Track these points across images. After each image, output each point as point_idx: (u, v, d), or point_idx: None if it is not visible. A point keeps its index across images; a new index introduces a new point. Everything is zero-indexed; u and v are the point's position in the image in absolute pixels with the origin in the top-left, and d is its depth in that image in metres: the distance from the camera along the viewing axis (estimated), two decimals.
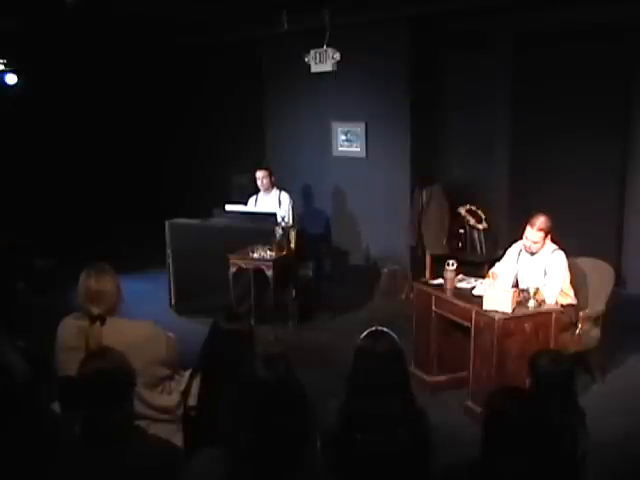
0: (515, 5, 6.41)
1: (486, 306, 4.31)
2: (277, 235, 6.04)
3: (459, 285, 4.82)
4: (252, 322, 5.64)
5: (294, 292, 6.27)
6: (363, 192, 7.69)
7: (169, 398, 3.07)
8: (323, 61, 7.13)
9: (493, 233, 7.09)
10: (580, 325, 4.80)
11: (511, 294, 4.29)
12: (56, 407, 3.08)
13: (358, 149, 7.71)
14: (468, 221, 7.08)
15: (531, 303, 4.37)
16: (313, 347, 5.88)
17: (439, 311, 4.80)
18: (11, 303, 5.88)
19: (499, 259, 5.17)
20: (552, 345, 4.30)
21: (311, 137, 8.06)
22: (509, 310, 4.25)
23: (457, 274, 4.87)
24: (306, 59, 7.26)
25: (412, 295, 5.50)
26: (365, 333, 2.80)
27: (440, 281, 4.93)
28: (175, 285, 6.82)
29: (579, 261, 5.09)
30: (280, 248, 6.01)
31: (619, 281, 5.45)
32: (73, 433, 2.32)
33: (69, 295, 3.15)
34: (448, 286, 4.79)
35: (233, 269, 5.93)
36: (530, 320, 4.31)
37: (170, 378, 3.16)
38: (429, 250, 7.06)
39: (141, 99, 8.70)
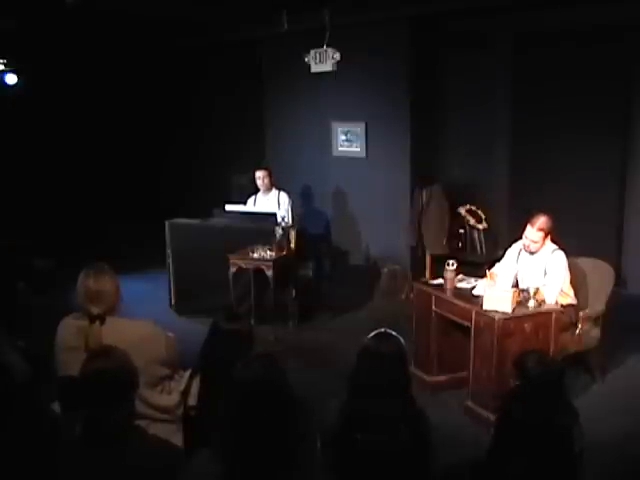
0: (515, 5, 6.41)
1: (486, 306, 4.31)
2: (277, 235, 6.04)
3: (459, 285, 4.82)
4: (252, 322, 5.65)
5: (294, 292, 6.27)
6: (363, 192, 7.69)
7: (169, 398, 3.07)
8: (323, 61, 7.13)
9: (493, 233, 7.09)
10: (580, 325, 4.80)
11: (511, 294, 4.29)
12: (56, 407, 3.08)
13: (358, 149, 7.71)
14: (468, 221, 7.08)
15: (531, 303, 4.37)
16: (313, 347, 5.89)
17: (439, 311, 4.80)
18: (11, 303, 5.88)
19: (499, 259, 5.16)
20: (552, 345, 4.31)
21: (311, 137, 8.06)
22: (509, 310, 4.25)
23: (457, 274, 4.87)
24: (306, 59, 7.26)
25: (412, 295, 5.50)
26: (372, 334, 2.80)
27: (440, 281, 4.93)
28: (175, 285, 6.83)
29: (579, 261, 5.09)
30: (280, 248, 6.01)
31: (619, 281, 5.45)
32: (73, 433, 2.32)
33: (69, 295, 3.15)
34: (448, 286, 4.79)
35: (233, 269, 5.93)
36: (530, 320, 4.30)
37: (170, 378, 3.16)
38: (429, 250, 7.06)
39: (141, 99, 8.70)
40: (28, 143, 7.98)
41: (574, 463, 2.67)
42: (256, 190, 6.92)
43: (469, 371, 4.48)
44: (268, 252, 5.91)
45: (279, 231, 6.06)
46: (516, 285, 4.77)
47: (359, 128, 7.65)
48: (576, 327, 4.80)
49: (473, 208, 7.14)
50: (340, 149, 7.88)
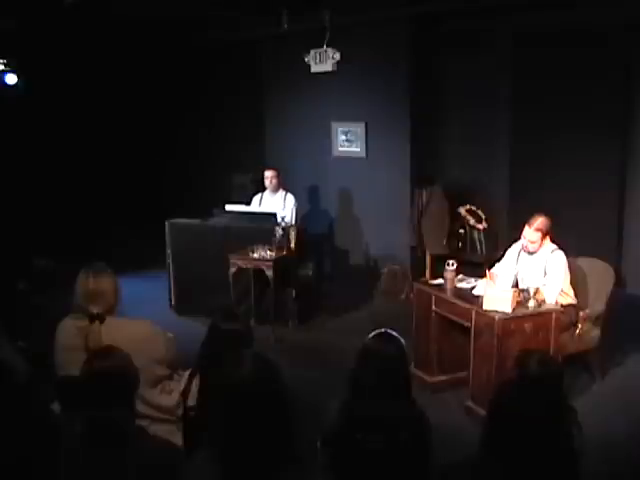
0: (515, 5, 6.41)
1: (486, 306, 4.31)
2: (277, 235, 6.04)
3: (459, 285, 4.82)
4: (252, 322, 5.65)
5: (294, 292, 6.27)
6: (363, 192, 7.70)
7: (169, 397, 3.07)
8: (323, 61, 7.14)
9: (493, 233, 7.09)
10: (580, 325, 4.81)
11: (511, 294, 4.29)
12: (56, 407, 3.08)
13: (358, 149, 7.71)
14: (468, 221, 7.08)
15: (531, 303, 4.37)
16: (313, 347, 5.89)
17: (439, 311, 4.80)
18: (11, 303, 5.87)
19: (499, 259, 5.17)
20: (552, 345, 4.31)
21: (311, 137, 8.06)
22: (509, 310, 4.25)
23: (457, 274, 4.87)
24: (306, 59, 7.27)
25: (412, 295, 5.50)
26: (372, 334, 2.80)
27: (440, 281, 4.93)
28: (175, 285, 6.83)
29: (579, 261, 5.10)
30: (280, 248, 6.01)
31: (619, 281, 5.44)
32: (73, 433, 2.32)
33: (69, 295, 3.15)
34: (448, 286, 4.79)
35: (233, 269, 5.93)
36: (530, 320, 4.31)
37: (169, 378, 3.16)
38: (429, 250, 7.06)
39: (141, 99, 8.69)
40: (28, 143, 7.97)
41: (574, 463, 2.68)
42: (262, 189, 6.93)
43: (469, 371, 4.48)
44: (268, 252, 5.91)
45: (279, 231, 6.06)
46: (516, 285, 4.78)
47: (359, 128, 7.65)
48: (576, 327, 4.80)
49: (473, 208, 7.14)
50: (340, 149, 7.88)
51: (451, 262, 4.84)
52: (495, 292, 4.36)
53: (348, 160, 7.77)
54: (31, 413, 2.64)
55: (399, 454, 2.56)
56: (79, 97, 8.26)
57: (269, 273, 5.84)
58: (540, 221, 4.70)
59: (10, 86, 7.63)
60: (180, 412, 3.06)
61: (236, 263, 5.94)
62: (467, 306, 4.48)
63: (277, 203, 6.74)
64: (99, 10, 6.70)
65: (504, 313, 4.24)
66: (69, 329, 3.09)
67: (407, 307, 5.86)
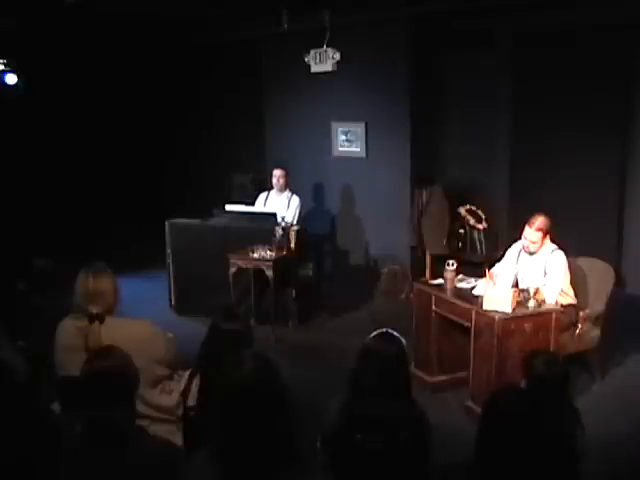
0: (515, 5, 6.41)
1: (486, 306, 4.31)
2: (277, 235, 6.04)
3: (459, 285, 4.82)
4: (252, 322, 5.65)
5: (294, 292, 6.27)
6: (363, 192, 7.69)
7: (169, 397, 3.08)
8: (323, 61, 7.14)
9: (493, 233, 7.09)
10: (580, 325, 4.80)
11: (511, 294, 4.29)
12: (56, 407, 3.08)
13: (358, 149, 7.71)
14: (468, 221, 7.08)
15: (531, 303, 4.37)
16: (313, 347, 5.89)
17: (439, 311, 4.80)
18: (11, 303, 5.87)
19: (499, 259, 5.17)
20: (552, 345, 4.31)
21: (311, 137, 8.05)
22: (509, 310, 4.25)
23: (457, 274, 4.87)
24: (306, 59, 7.27)
25: (412, 295, 5.50)
26: (373, 334, 2.80)
27: (440, 281, 4.93)
28: (175, 285, 6.83)
29: (579, 261, 5.10)
30: (280, 248, 6.00)
31: (619, 281, 5.45)
32: (73, 433, 2.32)
33: (69, 295, 3.15)
34: (448, 286, 4.79)
35: (233, 269, 5.92)
36: (530, 320, 4.30)
37: (169, 378, 3.17)
38: (429, 250, 7.06)
39: (141, 99, 8.69)
40: (28, 143, 7.97)
41: (575, 463, 2.68)
42: (268, 188, 6.92)
43: (469, 371, 4.48)
44: (268, 252, 5.90)
45: (279, 231, 6.06)
46: (516, 285, 4.78)
47: (359, 128, 7.65)
48: (576, 327, 4.80)
49: (473, 208, 7.14)
50: (340, 149, 7.88)
51: (451, 262, 4.84)
52: (495, 292, 4.36)
53: (348, 160, 7.77)
54: (31, 413, 2.64)
55: (399, 454, 2.56)
56: (79, 97, 8.26)
57: (269, 273, 5.84)
58: (541, 221, 4.70)
59: (10, 86, 7.63)
60: (180, 412, 3.07)
61: (236, 263, 5.94)
62: (467, 306, 4.48)
63: (282, 203, 6.73)
64: (99, 10, 6.70)
65: (504, 313, 4.24)
66: (69, 329, 3.09)
67: (407, 307, 5.86)
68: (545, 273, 4.73)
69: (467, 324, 4.45)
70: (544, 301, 4.49)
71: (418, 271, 7.10)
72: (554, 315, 4.39)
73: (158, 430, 2.83)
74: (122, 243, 7.41)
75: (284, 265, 5.99)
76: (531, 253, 4.80)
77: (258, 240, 6.01)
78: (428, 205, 7.02)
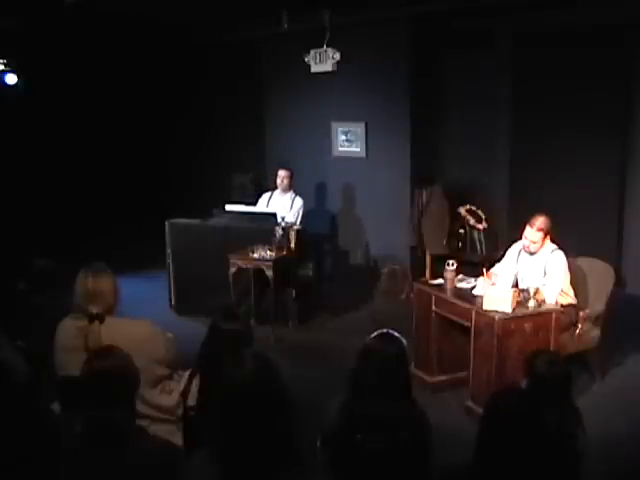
0: (515, 5, 6.41)
1: (486, 306, 4.31)
2: (277, 235, 6.04)
3: (459, 285, 4.82)
4: (252, 322, 5.65)
5: (294, 292, 6.27)
6: (363, 192, 7.69)
7: (168, 397, 3.08)
8: (323, 61, 7.15)
9: (493, 233, 7.09)
10: (580, 325, 4.80)
11: (511, 294, 4.29)
12: (56, 407, 3.08)
13: (358, 149, 7.71)
14: (468, 221, 7.08)
15: (531, 303, 4.37)
16: (313, 347, 5.89)
17: (439, 311, 4.80)
18: (11, 303, 5.87)
19: (499, 259, 5.17)
20: (552, 345, 4.31)
21: (311, 137, 8.05)
22: (509, 310, 4.25)
23: (457, 274, 4.87)
24: (306, 59, 7.27)
25: (412, 295, 5.50)
26: (374, 334, 2.81)
27: (440, 281, 4.93)
28: (175, 285, 6.83)
29: (579, 261, 5.10)
30: (280, 248, 6.00)
31: (619, 281, 5.45)
32: (73, 433, 2.32)
33: (69, 295, 3.15)
34: (448, 286, 4.79)
35: (233, 269, 5.92)
36: (530, 320, 4.30)
37: (169, 377, 3.16)
38: (429, 250, 7.06)
39: (141, 99, 8.69)
40: (28, 143, 7.97)
41: (576, 464, 2.68)
42: (270, 189, 6.92)
43: (469, 371, 4.48)
44: (268, 252, 5.90)
45: (279, 231, 6.05)
46: (516, 285, 4.78)
47: (359, 128, 7.65)
48: (576, 327, 4.80)
49: (473, 208, 7.14)
50: (340, 149, 7.88)
51: (451, 262, 4.84)
52: (495, 292, 4.36)
53: (348, 160, 7.77)
54: (31, 413, 2.64)
55: (399, 454, 2.56)
56: (79, 97, 8.26)
57: (269, 273, 5.83)
58: (541, 221, 4.70)
59: (10, 86, 7.63)
60: (180, 412, 3.06)
61: (236, 263, 5.93)
62: (467, 306, 4.48)
63: (285, 204, 6.72)
64: (99, 10, 6.70)
65: (504, 313, 4.24)
66: (69, 329, 3.09)
67: (407, 307, 5.86)
68: (545, 273, 4.73)
69: (467, 324, 4.44)
70: (544, 301, 4.49)
71: (418, 271, 7.10)
72: (554, 315, 4.39)
73: (158, 430, 2.83)
74: (122, 243, 7.41)
75: (284, 265, 5.99)
76: (531, 253, 4.80)
77: (258, 240, 6.01)
78: (428, 205, 7.01)
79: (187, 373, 3.16)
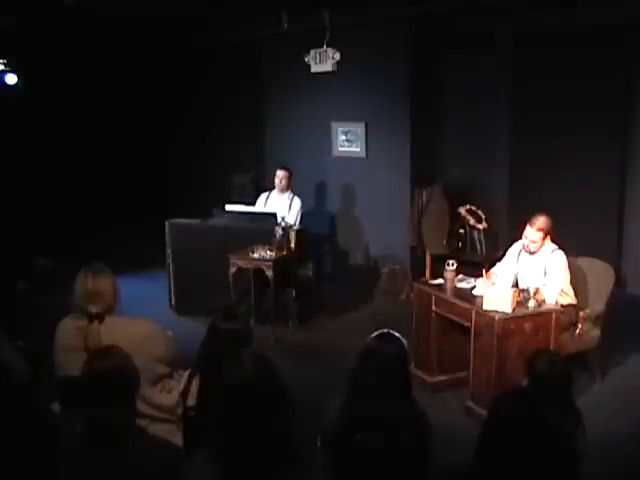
0: (515, 5, 6.41)
1: (486, 306, 4.31)
2: (277, 235, 6.04)
3: (459, 285, 4.82)
4: (252, 322, 5.65)
5: (294, 292, 6.27)
6: (363, 192, 7.69)
7: (168, 396, 3.08)
8: (323, 61, 7.15)
9: (493, 233, 7.09)
10: (580, 325, 4.80)
11: (511, 294, 4.29)
12: (56, 407, 3.08)
13: (358, 149, 7.71)
14: (468, 221, 7.08)
15: (531, 303, 4.37)
16: (313, 347, 5.89)
17: (439, 311, 4.80)
18: (11, 303, 5.87)
19: (499, 259, 5.17)
20: (552, 345, 4.31)
21: (311, 137, 8.05)
22: (509, 310, 4.25)
23: (457, 274, 4.87)
24: (306, 59, 7.27)
25: (412, 295, 5.50)
26: (374, 334, 2.80)
27: (440, 281, 4.93)
28: (175, 285, 6.83)
29: (579, 261, 5.10)
30: (280, 248, 6.00)
31: (619, 281, 5.45)
32: (73, 433, 2.32)
33: (69, 295, 3.15)
34: (448, 286, 4.79)
35: (233, 269, 5.92)
36: (530, 320, 4.30)
37: (169, 376, 3.16)
38: (429, 250, 7.06)
39: (141, 99, 8.69)
40: (28, 143, 7.98)
41: (576, 464, 2.68)
42: (268, 189, 6.91)
43: (469, 371, 4.48)
44: (268, 252, 5.90)
45: (279, 231, 6.05)
46: (516, 285, 4.78)
47: (359, 128, 7.64)
48: (576, 327, 4.80)
49: (473, 208, 7.14)
50: (340, 149, 7.87)
51: (451, 262, 4.84)
52: (495, 292, 4.36)
53: (348, 160, 7.77)
54: (31, 413, 2.64)
55: (399, 454, 2.56)
56: (79, 97, 8.26)
57: (269, 273, 5.83)
58: (542, 221, 4.70)
59: (10, 86, 7.63)
60: (180, 411, 3.06)
61: (236, 263, 5.94)
62: (467, 306, 4.48)
63: (283, 204, 6.71)
64: (99, 10, 6.70)
65: (504, 313, 4.24)
66: (68, 329, 3.09)
67: (407, 307, 5.86)
68: (545, 273, 4.73)
69: (467, 324, 4.45)
70: (544, 301, 4.49)
71: (418, 271, 7.10)
72: (554, 315, 4.39)
73: (158, 430, 2.83)
74: (122, 243, 7.41)
75: (284, 265, 5.99)
76: (531, 253, 4.80)
77: (258, 240, 6.01)
78: (428, 205, 7.01)
79: (187, 373, 3.16)
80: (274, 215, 6.30)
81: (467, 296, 4.63)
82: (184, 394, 3.06)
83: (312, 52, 7.22)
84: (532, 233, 4.73)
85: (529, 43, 6.64)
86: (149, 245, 7.19)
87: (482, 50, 7.04)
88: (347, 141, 7.79)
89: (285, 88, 8.24)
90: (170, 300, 6.87)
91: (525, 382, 3.14)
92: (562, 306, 4.64)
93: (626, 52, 6.48)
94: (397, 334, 2.80)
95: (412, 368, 4.58)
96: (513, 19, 6.72)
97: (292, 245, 6.14)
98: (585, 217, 6.52)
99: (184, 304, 6.65)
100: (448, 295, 4.73)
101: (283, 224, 6.16)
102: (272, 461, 1.82)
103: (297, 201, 6.76)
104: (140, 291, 6.77)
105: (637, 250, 6.69)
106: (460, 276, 4.91)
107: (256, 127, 8.74)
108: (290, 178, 6.77)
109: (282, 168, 6.82)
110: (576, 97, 6.58)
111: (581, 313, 4.83)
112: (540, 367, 3.07)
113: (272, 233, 6.04)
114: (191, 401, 3.04)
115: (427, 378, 4.91)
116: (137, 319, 3.23)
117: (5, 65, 7.55)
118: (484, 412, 4.22)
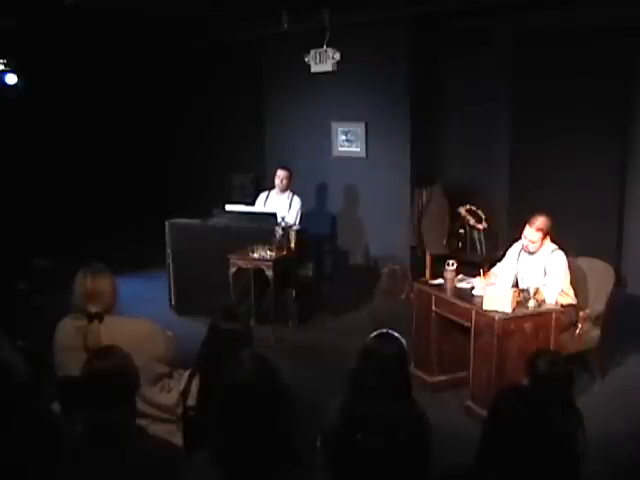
0: (515, 5, 6.41)
1: (486, 306, 4.31)
2: (277, 235, 6.04)
3: (459, 285, 4.82)
4: (252, 322, 5.65)
5: (294, 292, 6.27)
6: (363, 192, 7.69)
7: (168, 396, 3.08)
8: (323, 61, 7.14)
9: (493, 233, 7.09)
10: (580, 325, 4.80)
11: (511, 294, 4.29)
12: (56, 407, 3.08)
13: (358, 149, 7.71)
14: (468, 221, 7.08)
15: (531, 303, 4.37)
16: (313, 347, 5.89)
17: (439, 311, 4.80)
18: (11, 303, 5.87)
19: (499, 259, 5.17)
20: (552, 345, 4.31)
21: (311, 137, 8.05)
22: (509, 310, 4.25)
23: (457, 274, 4.87)
24: (306, 59, 7.27)
25: (412, 295, 5.50)
26: (374, 334, 2.80)
27: (440, 281, 4.93)
28: (175, 285, 6.83)
29: (579, 261, 5.09)
30: (280, 248, 6.00)
31: (619, 281, 5.45)
32: (74, 433, 2.32)
33: (69, 295, 3.15)
34: (448, 286, 4.79)
35: (233, 269, 5.92)
36: (530, 320, 4.30)
37: (169, 376, 3.16)
38: (429, 250, 7.06)
39: (141, 99, 8.70)
40: (28, 143, 7.98)
41: (576, 464, 2.68)
42: (269, 188, 6.91)
43: (469, 371, 4.48)
44: (268, 252, 5.90)
45: (279, 231, 6.05)
46: (516, 285, 4.77)
47: (359, 128, 7.64)
48: (576, 327, 4.80)
49: (473, 208, 7.14)
50: (340, 149, 7.87)
51: (451, 262, 4.84)
52: (495, 292, 4.36)
53: (348, 160, 7.77)
54: (31, 413, 2.64)
55: (399, 454, 2.56)
56: (79, 97, 8.27)
57: (269, 273, 5.83)
58: (541, 221, 4.70)
59: (10, 86, 7.64)
60: (180, 411, 3.06)
61: (236, 263, 5.93)
62: (467, 306, 4.48)
63: (283, 204, 6.71)
64: (99, 10, 6.70)
65: (504, 313, 4.24)
66: (68, 329, 3.09)
67: (407, 307, 5.86)
68: (545, 273, 4.73)
69: (467, 324, 4.45)
70: (544, 301, 4.49)
71: (418, 271, 7.10)
72: (554, 315, 4.39)
73: (158, 430, 2.83)
74: (122, 243, 7.41)
75: (284, 265, 5.99)
76: (531, 253, 4.80)
77: (258, 240, 6.01)
78: (428, 205, 7.01)
79: (187, 373, 3.16)
80: (274, 215, 6.30)
81: (467, 296, 4.63)
82: (184, 394, 3.06)
83: (312, 52, 7.22)
84: (531, 233, 4.73)
85: (529, 43, 6.64)
86: (149, 245, 7.19)
87: (482, 50, 7.04)
88: (347, 141, 7.79)
89: (285, 88, 8.24)
90: (170, 300, 6.87)
91: (526, 382, 3.14)
92: (562, 306, 4.63)
93: (626, 52, 6.48)
94: (397, 334, 2.80)
95: (412, 368, 4.58)
96: (513, 19, 6.72)
97: (292, 245, 6.14)
98: (585, 217, 6.53)
99: (184, 304, 6.65)
100: (448, 295, 4.73)
101: (283, 224, 6.16)
102: (272, 461, 1.82)
103: (297, 201, 6.76)
104: (140, 291, 6.77)
105: (637, 250, 6.69)
106: (460, 276, 4.91)
107: (256, 127, 8.74)
108: (291, 178, 6.78)
109: (283, 168, 6.82)
110: (576, 97, 6.59)
111: (581, 313, 4.83)
112: (541, 367, 3.07)
113: (272, 233, 6.05)
114: (191, 401, 3.04)
115: (427, 378, 4.91)
116: (136, 318, 3.23)
117: (5, 65, 7.55)
118: (484, 412, 4.22)
